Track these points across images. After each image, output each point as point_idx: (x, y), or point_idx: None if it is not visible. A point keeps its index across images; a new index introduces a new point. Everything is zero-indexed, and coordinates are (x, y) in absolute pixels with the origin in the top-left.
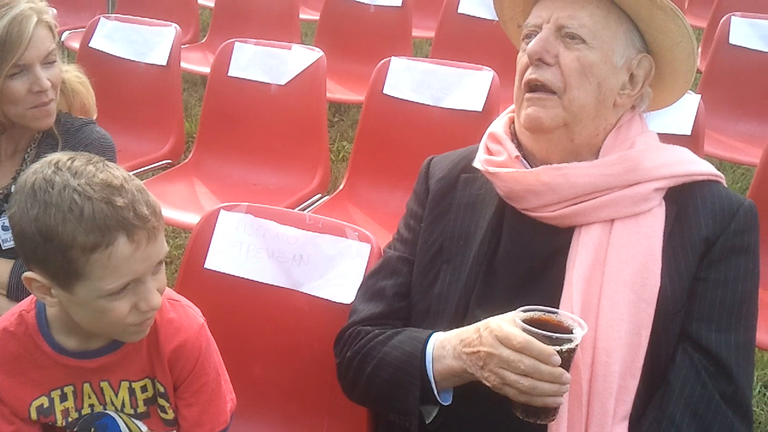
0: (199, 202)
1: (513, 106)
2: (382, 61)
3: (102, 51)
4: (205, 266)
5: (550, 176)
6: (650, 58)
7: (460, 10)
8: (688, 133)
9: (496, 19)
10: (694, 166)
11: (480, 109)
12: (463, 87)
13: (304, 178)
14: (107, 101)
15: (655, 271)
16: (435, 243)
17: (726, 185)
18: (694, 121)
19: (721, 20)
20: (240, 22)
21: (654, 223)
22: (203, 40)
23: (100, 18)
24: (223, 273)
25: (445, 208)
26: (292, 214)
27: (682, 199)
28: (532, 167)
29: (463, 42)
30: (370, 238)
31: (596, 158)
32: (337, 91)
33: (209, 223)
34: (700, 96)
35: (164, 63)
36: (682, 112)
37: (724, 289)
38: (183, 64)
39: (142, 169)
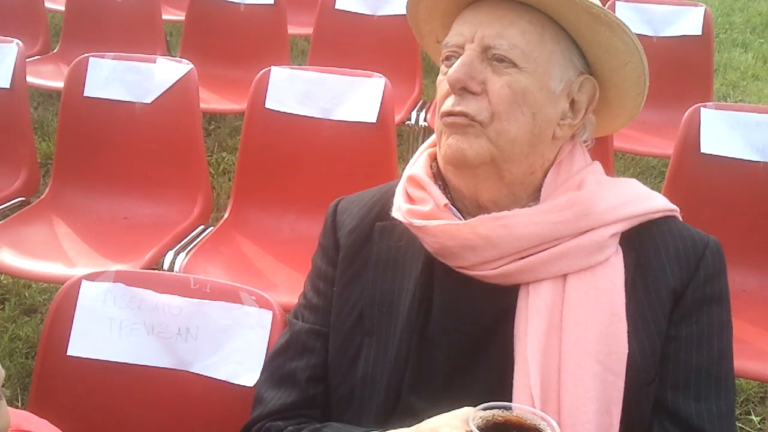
0: (62, 248)
1: (430, 140)
2: (261, 72)
3: None
4: (69, 353)
5: (488, 228)
6: (593, 80)
7: (337, 6)
8: None
9: (377, 14)
10: (651, 202)
11: (374, 120)
12: (353, 96)
13: (183, 207)
14: None
15: (621, 335)
16: (353, 311)
17: (680, 217)
18: None
19: (606, 5)
20: (95, 29)
21: (613, 275)
22: (55, 50)
23: None
24: (93, 359)
25: (360, 266)
26: (172, 279)
27: (639, 243)
28: (464, 215)
29: (343, 41)
30: (270, 303)
31: (534, 200)
32: (211, 101)
33: (69, 298)
34: None
35: (7, 85)
36: None
37: (698, 347)
38: (33, 80)
39: None
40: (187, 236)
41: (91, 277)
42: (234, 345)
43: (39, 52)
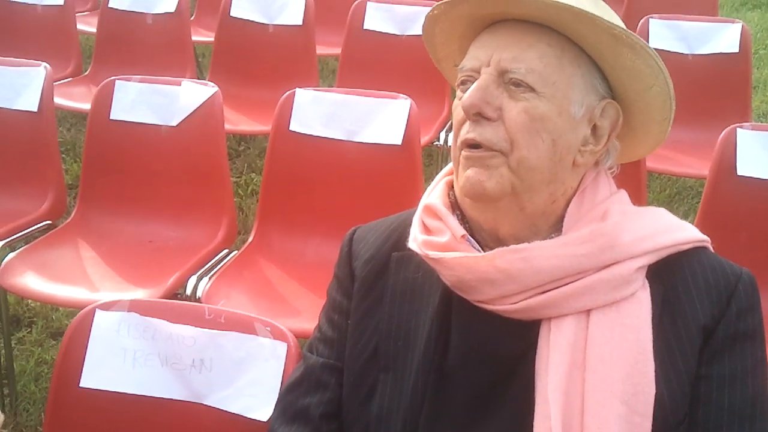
0: (86, 272)
1: (448, 168)
2: (286, 94)
3: None
4: (81, 385)
5: (508, 261)
6: (616, 104)
7: (366, 26)
8: None
9: (406, 34)
10: (680, 233)
11: (399, 142)
12: (378, 119)
13: (208, 231)
14: None
15: (648, 374)
16: (368, 345)
17: (711, 248)
18: None
19: (639, 23)
20: (126, 51)
21: (640, 311)
22: (86, 72)
23: None
24: (106, 391)
25: (376, 298)
26: (187, 308)
27: (667, 277)
28: (482, 247)
29: (372, 61)
30: (285, 335)
31: (557, 231)
32: (240, 122)
33: (83, 327)
34: None
35: (35, 109)
36: None
37: (732, 387)
38: (64, 102)
39: (14, 236)
40: (210, 260)
41: (106, 307)
42: (248, 377)
43: (71, 74)
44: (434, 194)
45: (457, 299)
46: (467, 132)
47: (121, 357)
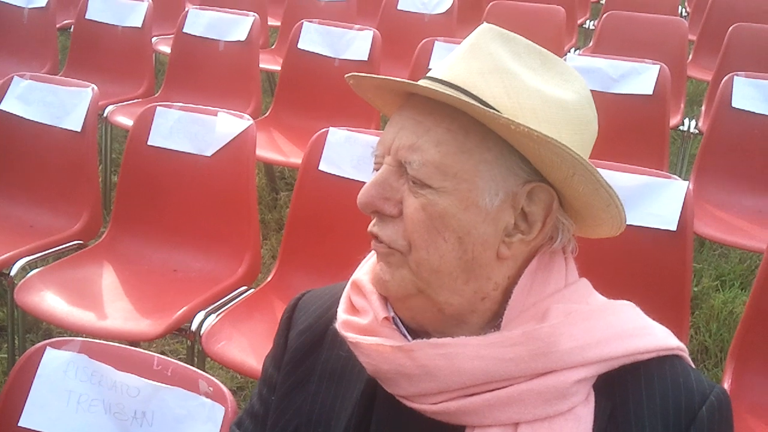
0: (101, 297)
1: None
2: (319, 132)
3: (13, 114)
4: (20, 424)
5: (426, 356)
6: (547, 187)
7: (431, 65)
8: (673, 228)
9: None
10: (639, 340)
11: None
12: None
13: (230, 266)
14: (18, 172)
15: None
16: (288, 426)
17: (687, 357)
18: (681, 216)
19: (723, 80)
20: (196, 74)
21: (577, 430)
22: (157, 94)
23: (13, 77)
24: None
25: (304, 375)
26: (137, 356)
27: (619, 391)
28: (410, 334)
29: None
30: (225, 397)
31: (495, 327)
32: (292, 154)
33: (30, 364)
34: (687, 184)
35: (78, 129)
36: (664, 202)
37: None
38: (128, 122)
39: (43, 252)
40: (225, 296)
41: (57, 345)
42: None
43: (142, 94)
44: (364, 269)
45: (381, 390)
46: (372, 224)
47: (65, 399)
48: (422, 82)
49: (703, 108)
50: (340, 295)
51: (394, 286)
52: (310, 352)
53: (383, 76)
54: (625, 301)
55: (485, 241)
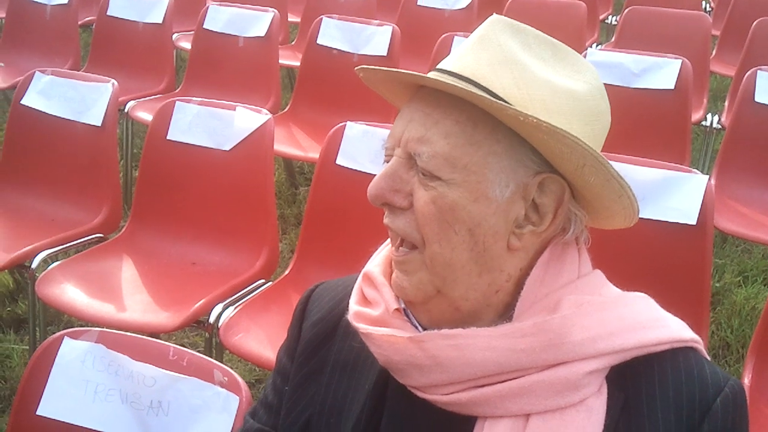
0: (120, 290)
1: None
2: (336, 126)
3: (35, 109)
4: (38, 412)
5: (437, 347)
6: (558, 178)
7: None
8: (693, 223)
9: None
10: (652, 332)
11: None
12: None
13: (248, 259)
14: (39, 166)
15: None
16: (300, 417)
17: (702, 349)
18: (701, 211)
19: (746, 75)
20: (216, 70)
21: (588, 421)
22: (178, 89)
23: (35, 72)
24: (62, 422)
25: (317, 366)
26: (153, 346)
27: (632, 382)
28: (421, 325)
29: None
30: (240, 387)
31: (507, 318)
32: (310, 149)
33: (49, 353)
34: (707, 178)
35: (99, 123)
36: (684, 196)
37: None
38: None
39: (64, 245)
40: (243, 289)
41: (75, 335)
42: (201, 427)
43: (163, 90)
44: (376, 261)
45: (393, 381)
46: (385, 217)
47: (83, 388)
48: (431, 74)
49: (726, 103)
50: (353, 287)
51: (413, 290)
52: (323, 343)
53: (390, 69)
54: (638, 293)
55: (496, 232)
